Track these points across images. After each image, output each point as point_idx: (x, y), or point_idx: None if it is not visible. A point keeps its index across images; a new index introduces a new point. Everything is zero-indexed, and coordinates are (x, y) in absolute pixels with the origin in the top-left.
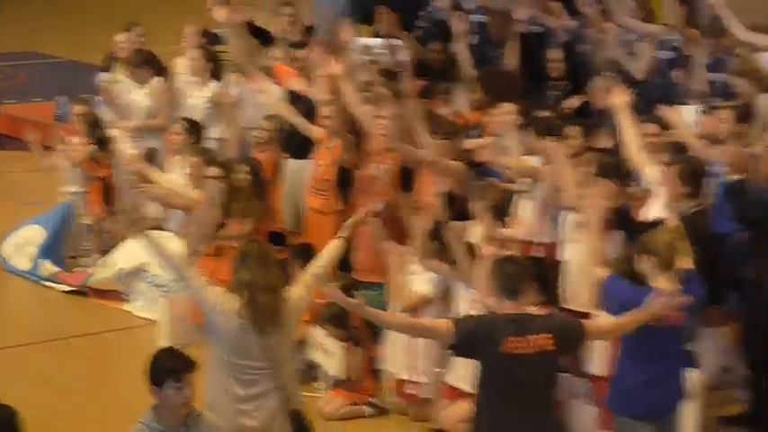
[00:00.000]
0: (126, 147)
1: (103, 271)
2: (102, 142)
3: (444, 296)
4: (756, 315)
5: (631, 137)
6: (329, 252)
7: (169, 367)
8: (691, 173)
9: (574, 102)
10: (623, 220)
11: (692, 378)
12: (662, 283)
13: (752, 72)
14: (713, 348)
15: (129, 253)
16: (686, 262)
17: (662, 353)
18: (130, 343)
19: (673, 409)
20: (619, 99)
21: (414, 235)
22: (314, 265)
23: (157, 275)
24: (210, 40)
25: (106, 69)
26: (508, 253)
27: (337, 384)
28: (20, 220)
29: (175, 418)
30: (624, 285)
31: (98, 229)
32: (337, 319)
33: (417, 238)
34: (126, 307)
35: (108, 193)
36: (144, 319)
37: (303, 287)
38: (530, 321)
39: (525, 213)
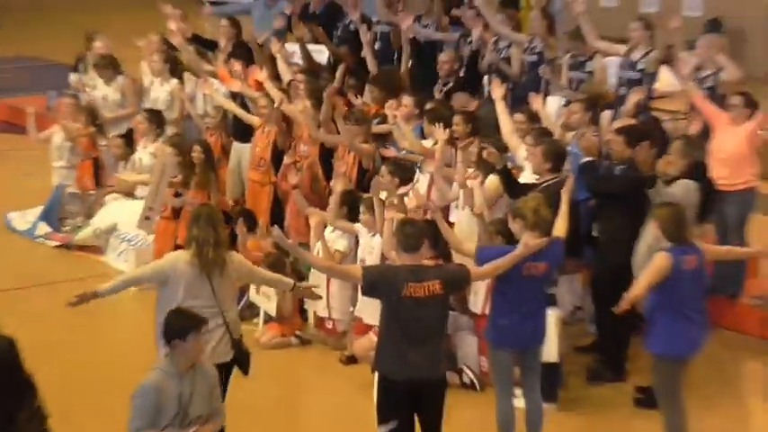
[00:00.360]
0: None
1: (85, 230)
2: (99, 127)
3: (353, 250)
4: (601, 264)
5: (505, 123)
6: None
7: (190, 323)
8: (553, 152)
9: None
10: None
11: (552, 316)
12: (527, 238)
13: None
14: (569, 291)
15: (104, 216)
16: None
17: (528, 297)
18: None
19: (536, 341)
20: (496, 92)
21: (330, 202)
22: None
23: (127, 232)
24: (170, 46)
25: (75, 70)
26: (408, 216)
27: (270, 320)
28: (18, 187)
29: (189, 364)
30: (493, 249)
31: (84, 197)
32: (275, 267)
33: (332, 205)
34: (102, 258)
35: (97, 169)
36: (117, 269)
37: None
38: (424, 271)
39: (422, 183)
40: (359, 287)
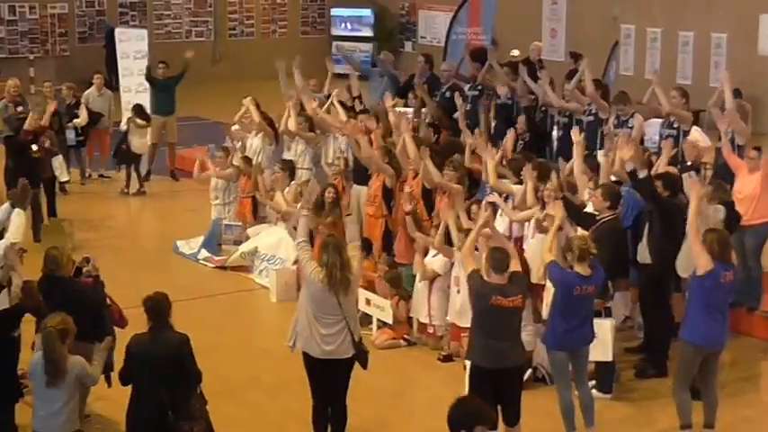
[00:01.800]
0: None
1: (234, 255)
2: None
3: (449, 271)
4: (643, 285)
5: (578, 164)
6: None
7: (477, 416)
8: (610, 194)
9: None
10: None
11: (607, 324)
12: (577, 267)
13: None
14: (621, 305)
15: (249, 242)
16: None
17: (578, 310)
18: (252, 298)
19: (585, 344)
20: (575, 138)
21: (431, 231)
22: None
23: (266, 254)
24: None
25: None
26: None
27: (383, 326)
28: (186, 220)
29: None
30: (557, 268)
31: (236, 228)
32: (393, 282)
33: (440, 232)
34: (250, 276)
35: (255, 205)
36: (261, 284)
37: (358, 273)
38: (509, 288)
39: (504, 219)
40: (455, 297)
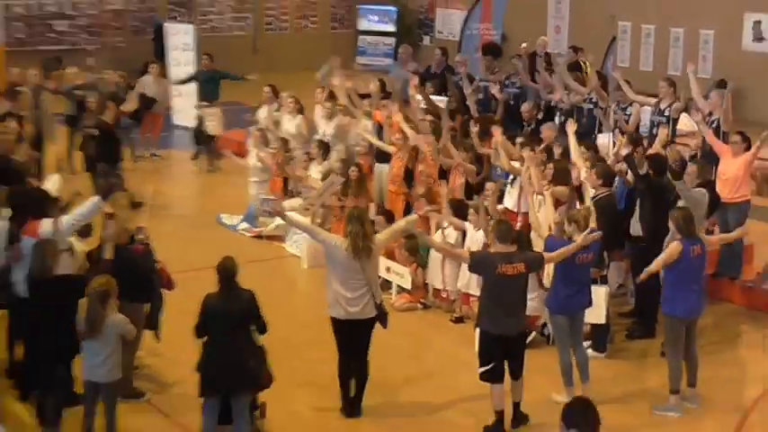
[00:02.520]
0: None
1: (270, 225)
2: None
3: (462, 241)
4: (635, 256)
5: (574, 150)
6: (404, 221)
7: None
8: (604, 173)
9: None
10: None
11: (602, 290)
12: (579, 239)
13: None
14: (616, 274)
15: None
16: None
17: (579, 277)
18: (285, 265)
19: (582, 309)
20: (570, 129)
21: (443, 206)
22: (393, 226)
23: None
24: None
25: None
26: (502, 217)
27: (401, 291)
28: (228, 195)
29: None
30: (556, 240)
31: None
32: (412, 251)
33: (446, 208)
34: (283, 245)
35: (285, 183)
36: (292, 253)
37: (385, 235)
38: (513, 256)
39: (513, 193)
40: (465, 267)
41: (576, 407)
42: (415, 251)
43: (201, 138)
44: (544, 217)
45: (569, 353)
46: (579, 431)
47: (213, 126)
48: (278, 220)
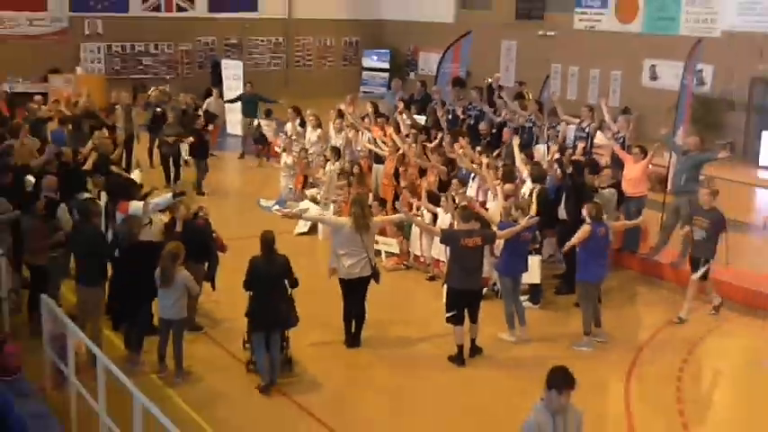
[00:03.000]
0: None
1: (294, 209)
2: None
3: (434, 221)
4: (564, 232)
5: (518, 157)
6: (396, 216)
7: (566, 383)
8: (536, 174)
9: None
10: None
11: (536, 259)
12: (523, 221)
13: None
14: (548, 246)
15: (302, 203)
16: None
17: (521, 249)
18: (306, 237)
19: (521, 272)
20: (514, 142)
21: (422, 195)
22: (387, 217)
23: (310, 210)
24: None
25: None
26: (465, 204)
27: (390, 255)
28: (266, 186)
29: (561, 410)
30: (507, 223)
31: (297, 193)
32: (399, 227)
33: (423, 197)
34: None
35: (306, 180)
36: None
37: (380, 220)
38: (473, 232)
39: (473, 187)
40: (437, 239)
41: (557, 372)
42: (402, 227)
43: (261, 141)
44: (496, 207)
45: (512, 304)
46: (558, 391)
47: (269, 133)
48: (300, 205)
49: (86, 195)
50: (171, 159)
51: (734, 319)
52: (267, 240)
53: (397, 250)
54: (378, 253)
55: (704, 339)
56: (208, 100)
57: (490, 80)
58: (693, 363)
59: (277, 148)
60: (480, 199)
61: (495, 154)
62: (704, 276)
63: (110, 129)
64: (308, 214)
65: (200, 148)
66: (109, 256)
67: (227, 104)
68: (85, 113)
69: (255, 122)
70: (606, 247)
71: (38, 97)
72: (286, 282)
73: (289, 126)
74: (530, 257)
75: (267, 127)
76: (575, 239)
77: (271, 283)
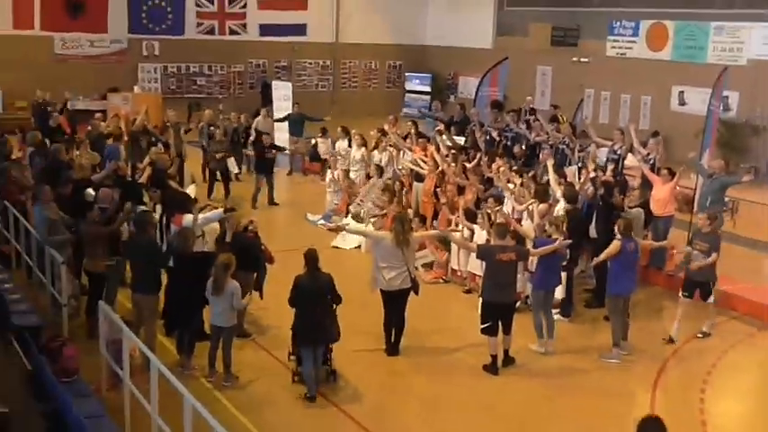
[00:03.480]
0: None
1: (337, 223)
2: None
3: (471, 237)
4: (595, 249)
5: (552, 176)
6: (434, 233)
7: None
8: (571, 196)
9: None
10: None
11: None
12: (556, 235)
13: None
14: (579, 262)
15: (346, 220)
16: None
17: (553, 266)
18: (348, 250)
19: (554, 286)
20: (548, 162)
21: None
22: (427, 233)
23: (350, 225)
24: (383, 133)
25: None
26: (501, 221)
27: (429, 269)
28: (313, 202)
29: None
30: (542, 240)
31: (342, 210)
32: (442, 241)
33: (461, 213)
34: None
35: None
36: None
37: (419, 235)
38: (508, 248)
39: (508, 205)
40: (474, 255)
41: (648, 422)
42: (444, 242)
43: (316, 157)
44: (530, 225)
45: (542, 316)
46: None
47: (322, 150)
48: (343, 221)
49: (143, 208)
50: (218, 174)
51: (757, 333)
52: (312, 258)
53: (430, 260)
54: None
55: (727, 353)
56: (257, 119)
57: (527, 102)
58: (717, 375)
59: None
60: (516, 217)
61: (530, 174)
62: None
63: (165, 145)
64: (350, 243)
65: (262, 164)
66: (163, 265)
67: (276, 123)
68: (143, 130)
69: (312, 141)
70: (635, 262)
71: (98, 114)
72: (329, 297)
73: (338, 144)
74: (562, 274)
75: (322, 144)
76: (605, 254)
77: (315, 299)
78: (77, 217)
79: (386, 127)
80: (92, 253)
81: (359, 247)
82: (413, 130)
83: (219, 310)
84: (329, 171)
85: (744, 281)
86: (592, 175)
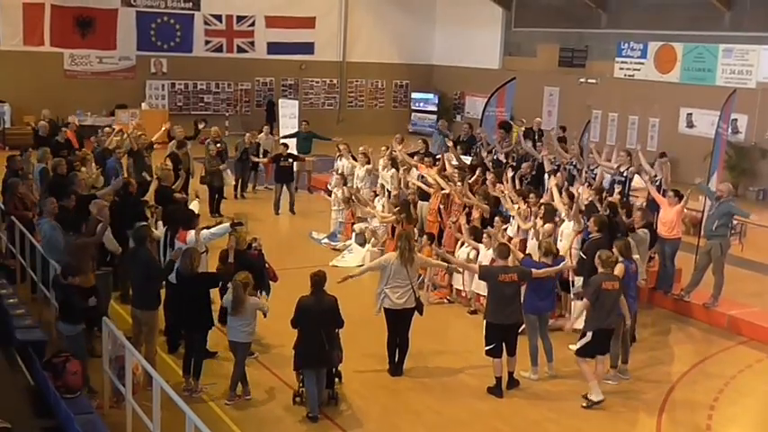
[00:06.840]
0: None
1: (341, 243)
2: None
3: (476, 256)
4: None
5: (557, 198)
6: (436, 262)
7: None
8: (600, 222)
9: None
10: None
11: (579, 303)
12: (562, 265)
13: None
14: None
15: (350, 242)
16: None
17: (545, 288)
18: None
19: (545, 310)
20: (551, 182)
21: (465, 231)
22: (430, 260)
23: (352, 246)
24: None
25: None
26: (503, 242)
27: (434, 289)
28: (318, 221)
29: None
30: (530, 262)
31: (346, 230)
32: (444, 260)
33: (466, 233)
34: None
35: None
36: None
37: (423, 259)
38: (509, 269)
39: (514, 225)
40: (476, 276)
41: None
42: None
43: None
44: (534, 245)
45: (536, 341)
46: None
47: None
48: (348, 241)
49: (142, 223)
50: (213, 190)
51: (765, 359)
52: (319, 281)
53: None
54: (420, 286)
55: (735, 378)
56: (260, 135)
57: (535, 124)
58: (724, 401)
59: (328, 186)
60: (521, 237)
61: (537, 199)
62: None
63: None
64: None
65: (281, 174)
66: (162, 279)
67: (283, 140)
68: (148, 146)
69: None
70: (634, 283)
71: (107, 129)
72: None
73: (340, 162)
74: (576, 303)
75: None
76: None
77: (319, 322)
78: (78, 231)
79: (393, 145)
80: (80, 268)
81: (360, 266)
82: (422, 150)
83: (238, 325)
84: (335, 190)
85: (751, 305)
86: (596, 197)
